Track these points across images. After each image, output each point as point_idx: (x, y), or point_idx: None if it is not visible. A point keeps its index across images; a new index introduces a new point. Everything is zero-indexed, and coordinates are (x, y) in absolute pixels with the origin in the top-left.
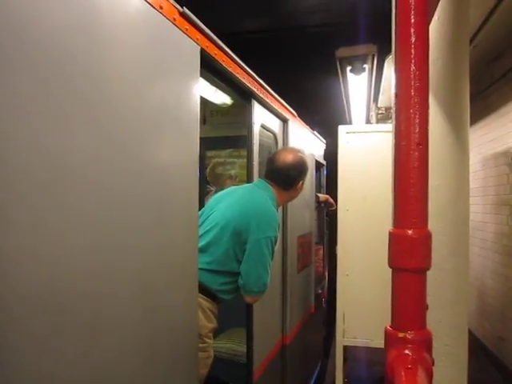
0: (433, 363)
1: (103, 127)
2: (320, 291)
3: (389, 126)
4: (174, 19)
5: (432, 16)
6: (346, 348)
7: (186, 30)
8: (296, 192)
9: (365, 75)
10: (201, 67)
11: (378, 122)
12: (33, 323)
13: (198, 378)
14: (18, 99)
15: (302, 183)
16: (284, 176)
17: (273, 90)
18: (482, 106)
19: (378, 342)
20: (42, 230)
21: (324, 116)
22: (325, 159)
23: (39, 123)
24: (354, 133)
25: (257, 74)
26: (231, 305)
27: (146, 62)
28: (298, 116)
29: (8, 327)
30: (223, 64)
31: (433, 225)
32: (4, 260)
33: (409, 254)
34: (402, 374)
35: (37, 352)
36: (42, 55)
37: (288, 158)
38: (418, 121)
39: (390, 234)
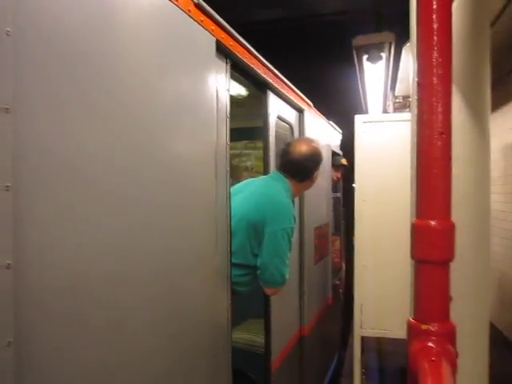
0: (457, 356)
1: (119, 121)
2: (337, 282)
3: (407, 115)
4: (189, 10)
5: (452, 1)
6: (363, 339)
7: (201, 21)
8: (311, 183)
9: (382, 63)
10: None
11: (395, 111)
12: (59, 309)
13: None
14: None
15: (317, 173)
16: (300, 167)
17: (288, 80)
18: (503, 92)
19: (396, 333)
20: (61, 226)
21: (340, 106)
22: (341, 149)
23: (50, 120)
24: (370, 122)
25: (272, 65)
26: (250, 296)
27: (161, 54)
28: (314, 106)
29: (39, 318)
30: (238, 55)
31: (453, 215)
32: (33, 255)
33: (433, 245)
34: (426, 366)
35: (60, 352)
36: (53, 49)
37: (303, 149)
38: (440, 109)
39: (412, 225)
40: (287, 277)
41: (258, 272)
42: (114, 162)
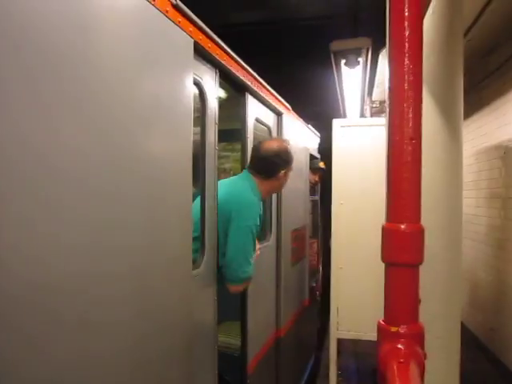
0: (425, 357)
1: (94, 121)
2: (314, 284)
3: (383, 120)
4: (167, 11)
5: (426, 10)
6: (339, 341)
7: (179, 22)
8: (279, 182)
9: (359, 68)
10: (194, 60)
11: (372, 115)
12: (23, 320)
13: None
14: (1, 93)
15: (286, 173)
16: (265, 164)
17: (267, 83)
18: (476, 99)
19: (372, 335)
20: (34, 221)
21: (319, 109)
22: (320, 153)
23: (25, 118)
24: (348, 126)
25: (251, 67)
26: (226, 298)
27: (137, 54)
28: (293, 109)
29: (6, 313)
30: (217, 57)
31: (426, 218)
32: None
33: (402, 248)
34: (395, 367)
35: (27, 351)
36: (29, 47)
37: (271, 146)
38: (411, 115)
39: (383, 228)
40: (250, 274)
41: (223, 269)
42: (87, 158)
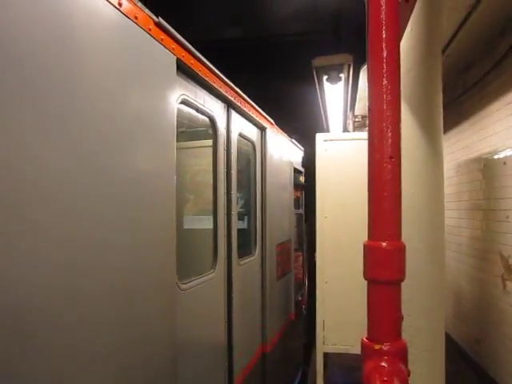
0: (409, 374)
1: (76, 138)
2: (300, 298)
3: (365, 134)
4: (150, 29)
5: (405, 28)
6: (326, 354)
7: (162, 40)
8: None
9: (341, 84)
10: (177, 76)
11: (354, 129)
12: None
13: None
14: None
15: None
16: None
17: (251, 98)
18: (455, 113)
19: (358, 349)
20: (16, 240)
21: (303, 123)
22: (303, 166)
23: (6, 135)
24: (331, 140)
25: (234, 83)
26: None
27: (120, 71)
28: (276, 124)
29: None
30: (200, 73)
31: (409, 232)
32: None
33: (383, 266)
34: None
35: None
36: (13, 63)
37: None
38: (390, 134)
39: (364, 246)
40: None
41: None
42: (70, 177)
